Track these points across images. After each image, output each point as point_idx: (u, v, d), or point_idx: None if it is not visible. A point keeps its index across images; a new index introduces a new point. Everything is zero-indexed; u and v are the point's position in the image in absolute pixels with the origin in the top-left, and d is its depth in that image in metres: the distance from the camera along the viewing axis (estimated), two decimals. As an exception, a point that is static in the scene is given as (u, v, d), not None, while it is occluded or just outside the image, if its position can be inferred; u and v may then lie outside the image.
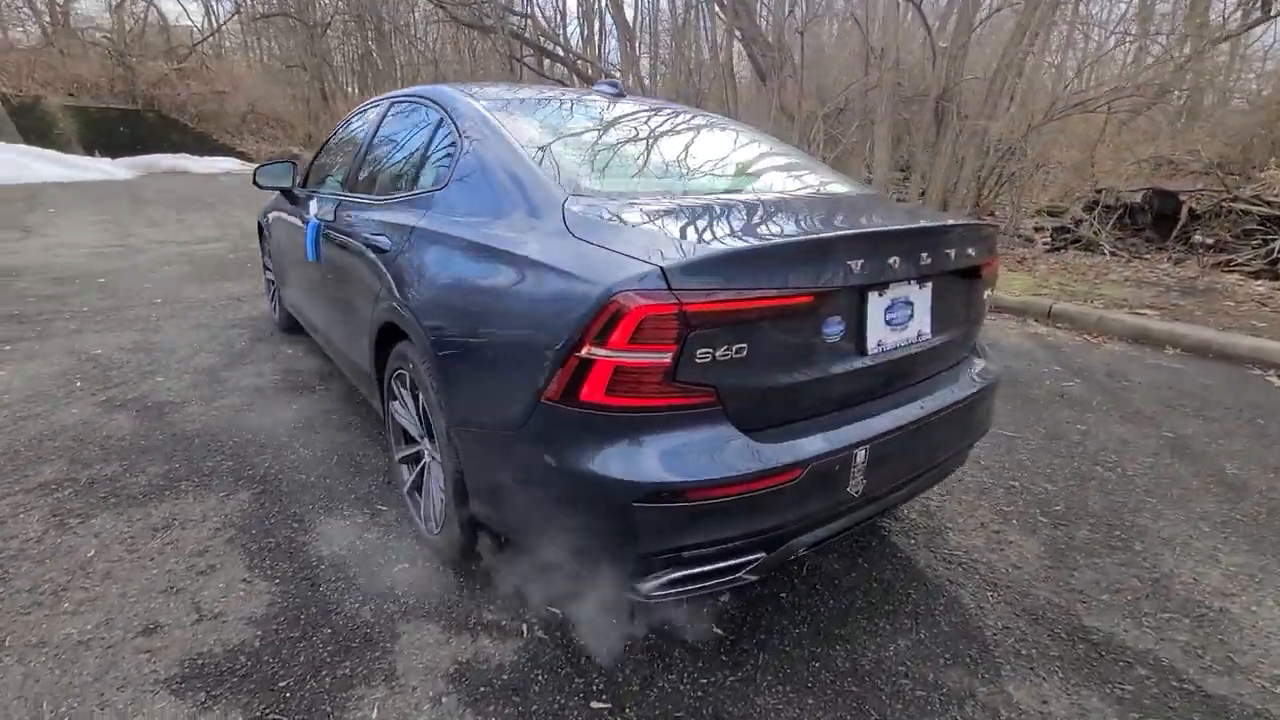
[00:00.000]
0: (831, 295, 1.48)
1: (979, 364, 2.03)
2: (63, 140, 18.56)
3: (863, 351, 1.60)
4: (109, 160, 17.45)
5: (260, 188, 3.30)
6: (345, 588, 1.95)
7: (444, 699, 1.57)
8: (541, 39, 15.91)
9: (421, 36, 27.34)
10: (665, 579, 1.44)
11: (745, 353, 1.37)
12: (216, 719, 1.50)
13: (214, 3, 27.48)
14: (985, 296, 2.03)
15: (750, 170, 2.32)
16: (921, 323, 1.74)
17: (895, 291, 1.65)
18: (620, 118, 2.33)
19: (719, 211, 1.67)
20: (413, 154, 2.33)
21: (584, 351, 1.32)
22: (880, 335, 1.63)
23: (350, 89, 27.14)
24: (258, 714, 1.51)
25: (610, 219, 1.52)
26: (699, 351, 1.32)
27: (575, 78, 16.60)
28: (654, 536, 1.38)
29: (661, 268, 1.28)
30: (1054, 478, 2.72)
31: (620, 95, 2.52)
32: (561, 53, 16.05)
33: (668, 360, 1.30)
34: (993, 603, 1.97)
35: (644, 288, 1.28)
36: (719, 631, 1.82)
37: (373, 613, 1.85)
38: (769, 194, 2.03)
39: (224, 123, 22.36)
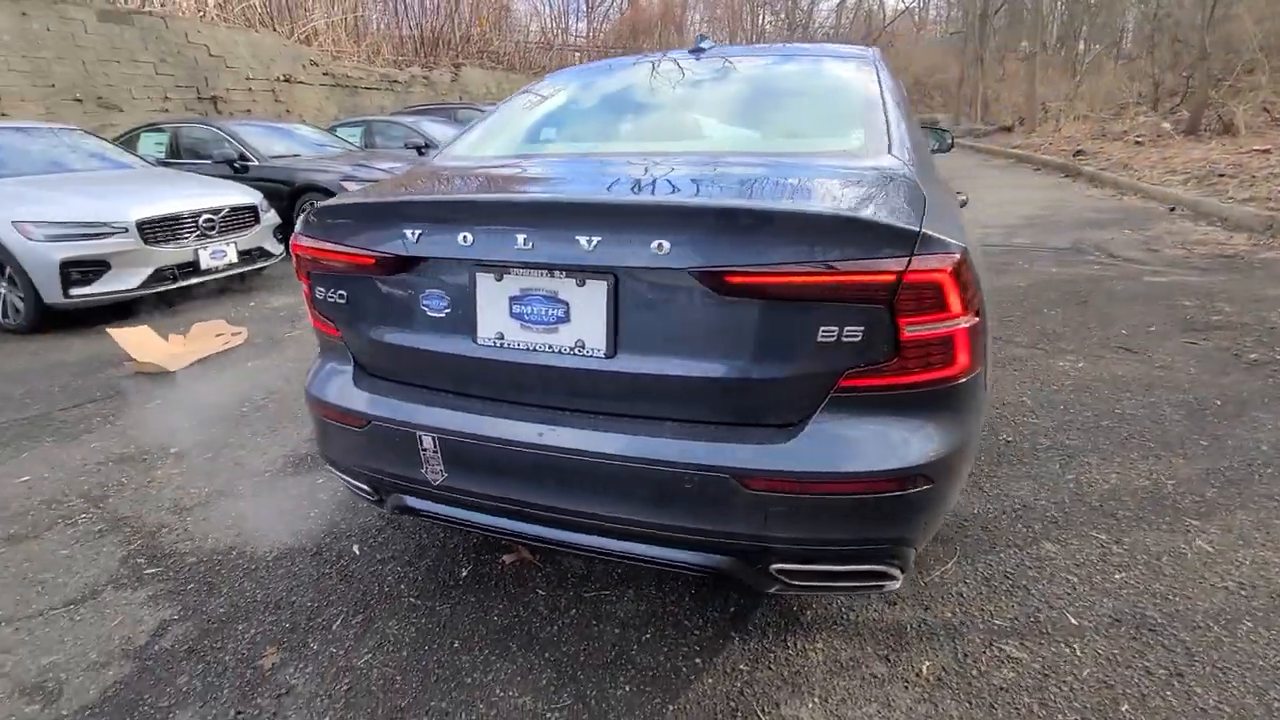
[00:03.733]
0: (414, 265, 1.42)
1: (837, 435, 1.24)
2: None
3: (474, 338, 1.41)
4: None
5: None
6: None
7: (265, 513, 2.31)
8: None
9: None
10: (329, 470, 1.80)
11: (345, 300, 1.55)
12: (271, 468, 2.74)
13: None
14: (839, 333, 1.19)
15: (696, 133, 1.97)
16: (585, 332, 1.32)
17: (527, 281, 1.34)
18: (648, 81, 2.22)
19: (500, 175, 1.77)
20: None
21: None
22: (500, 327, 1.39)
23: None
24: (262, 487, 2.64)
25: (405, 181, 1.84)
26: (316, 289, 1.61)
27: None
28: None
29: (307, 217, 1.62)
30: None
31: (699, 51, 2.28)
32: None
33: (307, 291, 1.65)
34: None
35: (298, 232, 1.64)
36: (443, 576, 1.93)
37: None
38: (624, 156, 1.79)
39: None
